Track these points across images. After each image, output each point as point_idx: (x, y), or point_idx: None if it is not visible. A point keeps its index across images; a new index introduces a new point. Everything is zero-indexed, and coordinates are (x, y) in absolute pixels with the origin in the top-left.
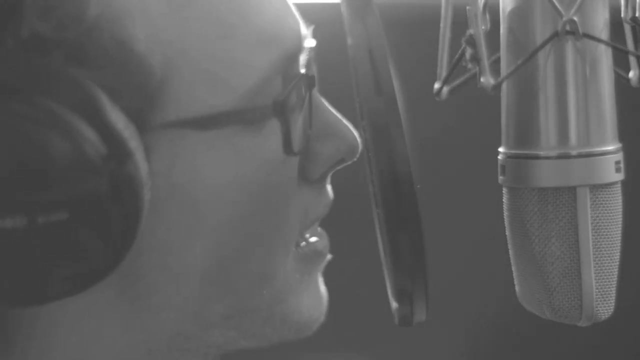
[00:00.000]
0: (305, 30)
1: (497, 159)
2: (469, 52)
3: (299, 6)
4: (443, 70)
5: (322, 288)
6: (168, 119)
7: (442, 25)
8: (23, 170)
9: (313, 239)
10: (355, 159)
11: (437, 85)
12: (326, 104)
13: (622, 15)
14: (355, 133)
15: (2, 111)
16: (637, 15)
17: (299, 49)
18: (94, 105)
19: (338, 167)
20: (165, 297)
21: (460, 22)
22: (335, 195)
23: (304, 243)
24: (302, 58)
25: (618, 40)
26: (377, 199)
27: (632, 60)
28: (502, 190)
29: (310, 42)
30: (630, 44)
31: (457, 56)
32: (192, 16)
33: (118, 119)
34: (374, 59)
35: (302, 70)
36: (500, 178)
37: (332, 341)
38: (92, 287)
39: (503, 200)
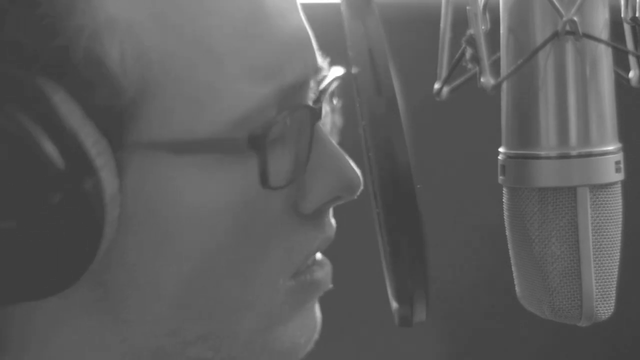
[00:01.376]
0: (320, 60)
1: (497, 159)
2: (469, 52)
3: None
4: (443, 70)
5: (316, 315)
6: (142, 139)
7: (442, 25)
8: None
9: (313, 267)
10: (354, 197)
11: (437, 85)
12: (330, 139)
13: (622, 15)
14: (357, 171)
15: None
16: (637, 15)
17: (302, 81)
18: (58, 119)
19: (336, 204)
20: (138, 313)
21: (460, 22)
22: None
23: (299, 276)
24: (312, 86)
25: (618, 40)
26: (377, 199)
27: (632, 60)
28: (502, 190)
29: (326, 71)
30: (630, 44)
31: (457, 56)
32: (181, 41)
33: (88, 135)
34: (374, 59)
35: (309, 102)
36: (501, 178)
37: (332, 341)
38: (68, 291)
39: (503, 200)
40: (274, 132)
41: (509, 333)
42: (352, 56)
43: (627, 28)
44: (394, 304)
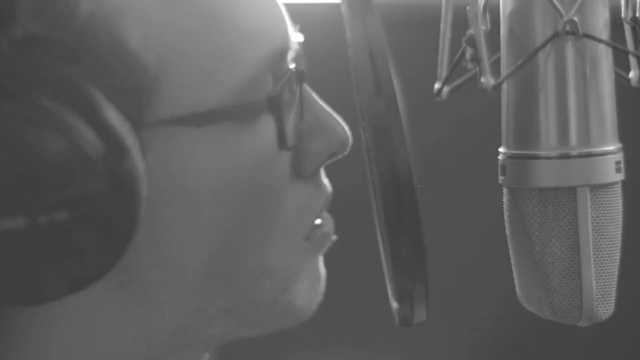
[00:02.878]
0: (291, 27)
1: (497, 159)
2: (469, 52)
3: (299, 6)
4: (443, 70)
5: (322, 268)
6: (163, 116)
7: (442, 25)
8: (22, 171)
9: (318, 222)
10: (345, 153)
11: (437, 86)
12: (317, 98)
13: (622, 15)
14: (346, 127)
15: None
16: (637, 15)
17: (286, 45)
18: (90, 103)
19: (330, 161)
20: (164, 294)
21: (461, 22)
22: (336, 195)
23: (310, 231)
24: (291, 54)
25: (618, 40)
26: (377, 199)
27: (632, 60)
28: (502, 190)
29: (297, 38)
30: (630, 44)
31: (457, 56)
32: (181, 12)
33: (114, 117)
34: (374, 59)
35: (292, 66)
36: (501, 178)
37: (332, 341)
38: (91, 285)
39: (503, 200)
40: (285, 94)
41: (509, 333)
42: (353, 56)
43: (627, 28)
44: (394, 304)
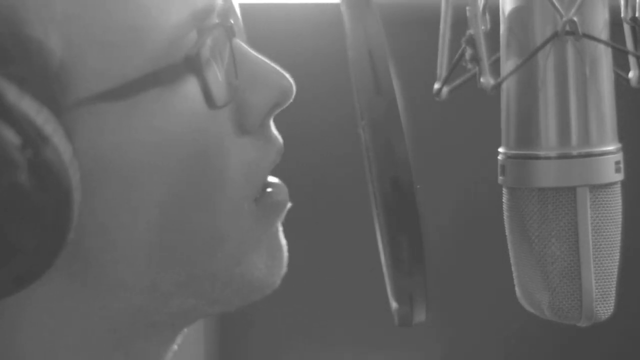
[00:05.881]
0: None
1: (497, 159)
2: (468, 52)
3: (299, 6)
4: (443, 70)
5: (282, 239)
6: (81, 96)
7: (442, 25)
8: None
9: (269, 189)
10: (290, 101)
11: (437, 86)
12: (251, 51)
13: (622, 15)
14: (287, 75)
15: None
16: (637, 15)
17: (210, 3)
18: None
19: (276, 112)
20: (117, 276)
21: (460, 22)
22: (336, 195)
23: (260, 196)
24: (217, 10)
25: (618, 40)
26: (377, 199)
27: (632, 60)
28: (502, 190)
29: None
30: (630, 44)
31: (457, 56)
32: None
33: (29, 106)
34: (374, 59)
35: (216, 21)
36: (500, 178)
37: (332, 341)
38: (40, 279)
39: (503, 200)
40: (204, 52)
41: (509, 333)
42: (352, 56)
43: (627, 28)
44: (394, 304)
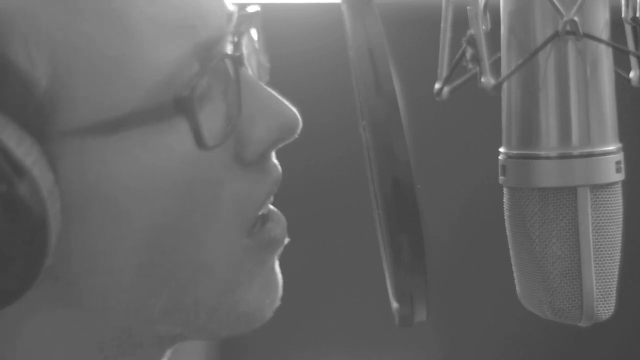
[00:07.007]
0: (230, 8)
1: (497, 159)
2: (469, 52)
3: (299, 6)
4: (443, 70)
5: (277, 274)
6: (67, 127)
7: (442, 25)
8: None
9: (268, 225)
10: (294, 137)
11: (437, 86)
12: (258, 83)
13: (623, 15)
14: (293, 110)
15: None
16: (637, 15)
17: (217, 34)
18: None
19: (278, 146)
20: (101, 299)
21: (461, 22)
22: (336, 195)
23: (255, 230)
24: (229, 38)
25: (618, 40)
26: (377, 199)
27: (633, 60)
28: (502, 190)
29: (237, 18)
30: (630, 44)
31: (457, 56)
32: (79, 17)
33: (9, 136)
34: (374, 58)
35: (225, 51)
36: (501, 178)
37: (332, 340)
38: (25, 298)
39: (503, 200)
40: (200, 89)
41: (509, 333)
42: (353, 56)
43: (627, 28)
44: (395, 304)
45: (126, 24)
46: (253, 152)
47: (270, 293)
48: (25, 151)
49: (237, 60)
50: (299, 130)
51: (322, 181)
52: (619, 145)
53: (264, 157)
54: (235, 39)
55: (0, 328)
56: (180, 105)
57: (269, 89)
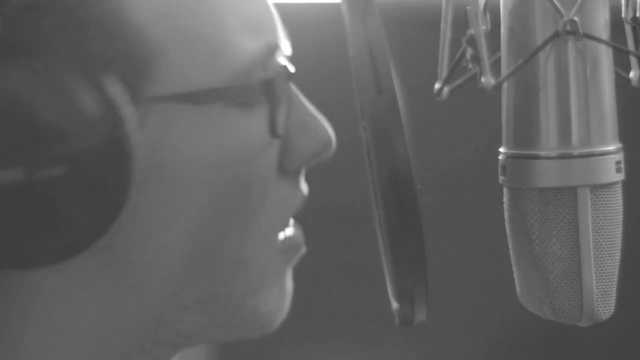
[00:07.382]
0: (282, 31)
1: (497, 159)
2: (469, 52)
3: (299, 6)
4: (443, 70)
5: (290, 283)
6: (161, 91)
7: (442, 25)
8: (18, 125)
9: (290, 232)
10: (329, 155)
11: (437, 86)
12: (303, 99)
13: (623, 15)
14: (330, 130)
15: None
16: (637, 15)
17: (277, 43)
18: (89, 69)
19: (313, 163)
20: (143, 276)
21: (461, 22)
22: (336, 195)
23: (282, 237)
24: (281, 54)
25: (618, 40)
26: (378, 199)
27: (633, 60)
28: (502, 190)
29: (287, 44)
30: (630, 44)
31: (457, 56)
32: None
33: (114, 86)
34: (375, 58)
35: (281, 61)
36: (501, 178)
37: (332, 340)
38: (75, 258)
39: (503, 200)
40: (277, 82)
41: (510, 333)
42: (352, 56)
43: (627, 28)
44: (395, 304)
45: (219, 12)
46: (295, 161)
47: (285, 300)
48: (124, 103)
49: (290, 73)
50: (333, 150)
51: (322, 181)
52: (619, 145)
53: (299, 171)
54: (286, 57)
55: (28, 295)
56: (266, 88)
57: (313, 107)
